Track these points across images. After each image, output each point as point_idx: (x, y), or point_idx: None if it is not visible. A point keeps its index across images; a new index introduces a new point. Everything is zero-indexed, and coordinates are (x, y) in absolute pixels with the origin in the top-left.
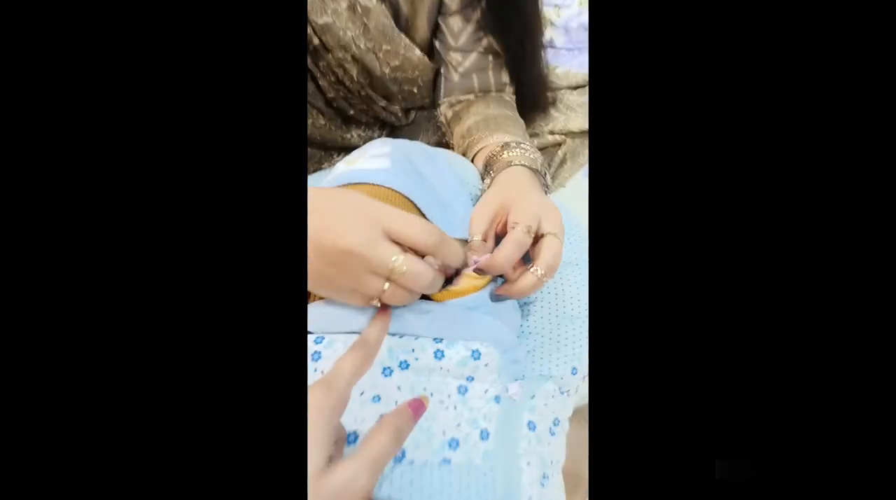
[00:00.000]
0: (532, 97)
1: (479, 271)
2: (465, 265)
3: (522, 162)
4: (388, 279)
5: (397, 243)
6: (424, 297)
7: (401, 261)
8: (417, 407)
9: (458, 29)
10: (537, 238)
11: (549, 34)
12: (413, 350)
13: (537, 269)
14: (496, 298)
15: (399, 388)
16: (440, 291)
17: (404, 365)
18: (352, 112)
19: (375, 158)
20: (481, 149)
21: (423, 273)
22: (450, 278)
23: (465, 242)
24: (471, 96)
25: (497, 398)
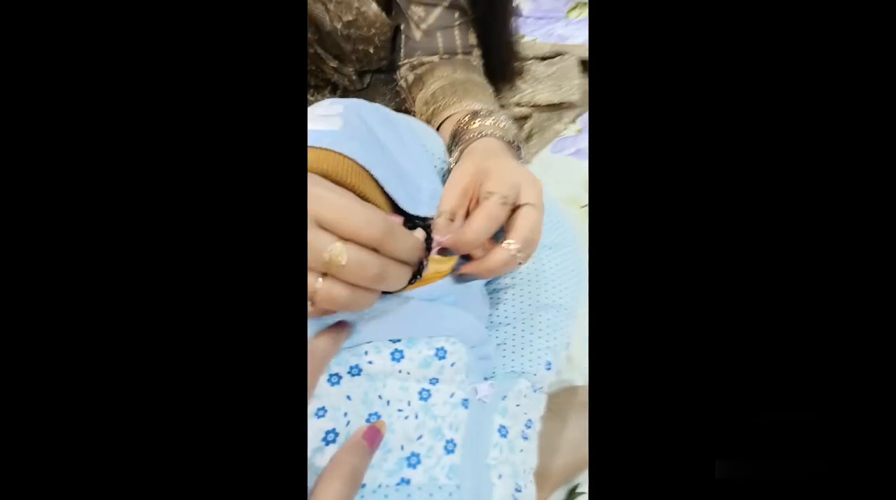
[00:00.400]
0: (500, 65)
1: (444, 251)
2: (422, 260)
3: (495, 132)
4: (326, 275)
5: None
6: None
7: (338, 250)
8: (373, 437)
9: None
10: (514, 211)
11: (516, 1)
12: (366, 353)
13: (511, 242)
14: (461, 278)
15: (349, 398)
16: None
17: (355, 371)
18: None
19: (324, 118)
20: (448, 117)
21: (370, 263)
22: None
23: (429, 225)
24: (435, 58)
25: (465, 402)
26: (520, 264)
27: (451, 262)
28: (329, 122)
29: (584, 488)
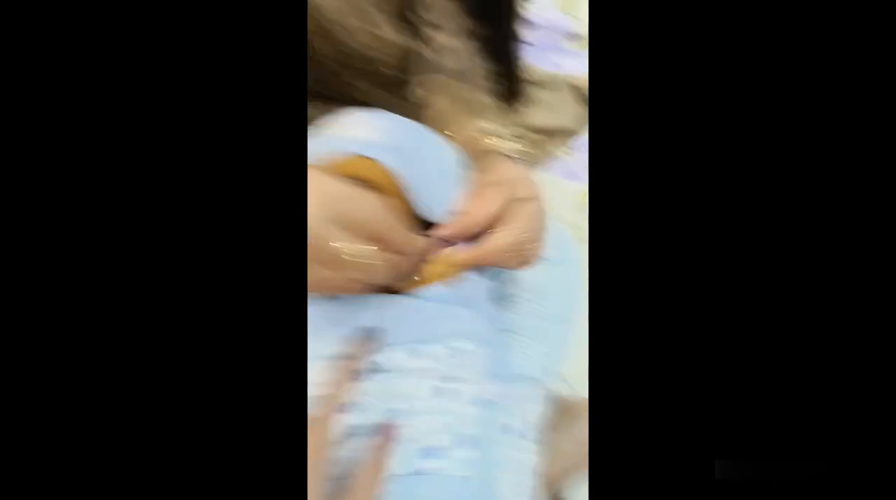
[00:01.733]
0: (505, 87)
1: (444, 242)
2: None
3: (504, 151)
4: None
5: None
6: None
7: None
8: (392, 435)
9: (431, 2)
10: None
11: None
12: (384, 352)
13: (514, 226)
14: (467, 269)
15: (368, 394)
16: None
17: (373, 368)
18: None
19: (357, 126)
20: (458, 136)
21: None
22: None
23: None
24: (443, 77)
25: (475, 400)
26: (529, 256)
27: (454, 265)
28: (363, 130)
29: (568, 495)
